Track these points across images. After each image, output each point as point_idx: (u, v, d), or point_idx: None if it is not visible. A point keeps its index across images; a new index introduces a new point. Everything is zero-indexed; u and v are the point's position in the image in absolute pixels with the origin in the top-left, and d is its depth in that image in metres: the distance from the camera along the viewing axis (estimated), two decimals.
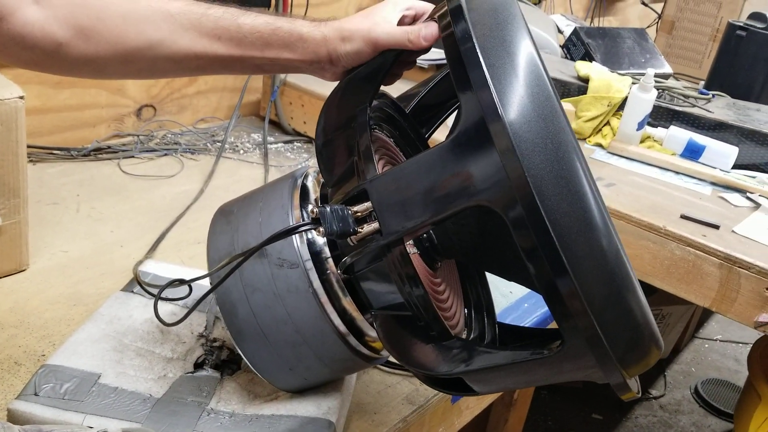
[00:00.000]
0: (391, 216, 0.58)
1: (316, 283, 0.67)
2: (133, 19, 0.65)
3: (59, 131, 1.37)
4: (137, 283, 0.88)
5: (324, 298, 0.67)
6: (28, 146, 1.22)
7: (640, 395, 0.61)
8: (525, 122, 0.52)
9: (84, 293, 0.95)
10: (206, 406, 0.71)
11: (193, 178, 1.36)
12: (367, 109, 0.68)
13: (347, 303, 0.67)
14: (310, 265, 0.67)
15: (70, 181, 1.26)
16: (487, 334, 0.79)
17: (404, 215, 0.57)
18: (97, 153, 1.37)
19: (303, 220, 0.68)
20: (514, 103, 0.52)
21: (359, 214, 0.60)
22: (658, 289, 1.27)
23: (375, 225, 0.59)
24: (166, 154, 1.44)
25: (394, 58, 0.70)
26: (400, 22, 0.71)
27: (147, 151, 1.42)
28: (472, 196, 0.54)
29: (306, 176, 0.75)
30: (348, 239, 0.61)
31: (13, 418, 0.68)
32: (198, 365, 0.78)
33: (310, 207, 0.70)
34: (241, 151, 1.53)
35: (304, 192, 0.72)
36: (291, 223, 0.68)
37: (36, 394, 0.69)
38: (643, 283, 1.23)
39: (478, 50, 0.54)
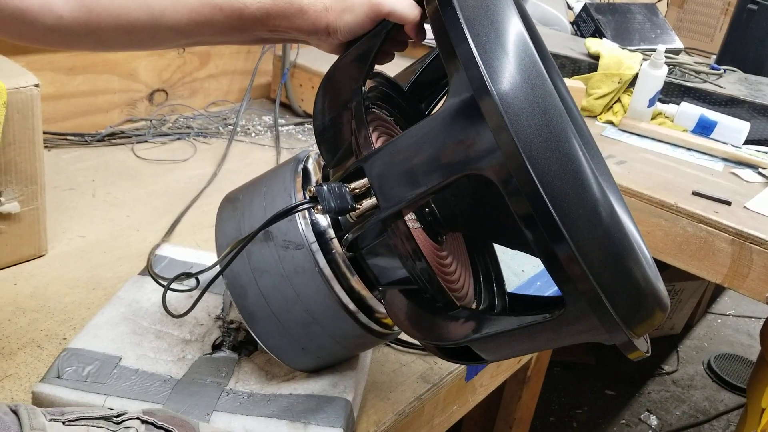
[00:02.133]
0: (387, 190, 0.59)
1: (323, 263, 0.68)
2: None
3: (73, 117, 1.38)
4: (149, 272, 0.89)
5: (331, 277, 0.68)
6: (43, 132, 1.23)
7: (649, 354, 0.62)
8: (512, 89, 0.52)
9: (102, 277, 0.97)
10: (225, 386, 0.73)
11: (206, 162, 1.38)
12: (361, 89, 0.68)
13: (355, 281, 0.68)
14: (315, 246, 0.68)
15: (86, 166, 1.28)
16: (498, 304, 0.80)
17: (400, 188, 0.59)
18: (110, 138, 1.38)
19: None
20: (500, 70, 0.53)
21: (357, 190, 0.61)
22: (671, 265, 1.28)
23: (373, 200, 0.61)
24: (178, 138, 1.45)
25: (385, 36, 0.70)
26: None
27: (160, 135, 1.44)
28: (465, 165, 0.55)
29: (307, 159, 0.76)
30: (348, 216, 0.62)
31: (38, 400, 0.70)
32: (216, 347, 0.79)
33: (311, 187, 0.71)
34: (253, 134, 1.54)
35: (306, 175, 0.73)
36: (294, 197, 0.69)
37: (59, 377, 0.71)
38: (655, 260, 1.23)
39: (462, 20, 0.54)
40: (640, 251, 0.68)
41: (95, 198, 1.18)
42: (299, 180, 0.72)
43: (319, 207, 0.61)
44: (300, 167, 0.74)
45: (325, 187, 0.61)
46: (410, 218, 0.74)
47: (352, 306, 0.69)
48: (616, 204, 0.82)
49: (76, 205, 1.15)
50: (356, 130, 0.64)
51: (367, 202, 0.61)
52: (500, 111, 0.51)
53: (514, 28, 0.55)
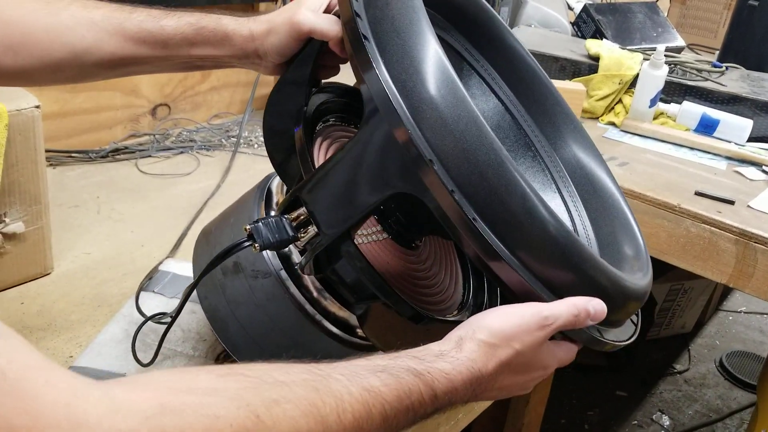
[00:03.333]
0: (323, 218, 0.60)
1: (293, 289, 0.68)
2: (56, 31, 0.68)
3: (77, 134, 1.39)
4: (136, 307, 0.90)
5: (303, 301, 0.68)
6: (48, 150, 1.24)
7: (630, 342, 0.63)
8: (420, 103, 0.51)
9: (108, 294, 0.98)
10: None
11: (210, 175, 1.38)
12: (302, 112, 0.68)
13: (328, 303, 0.69)
14: (283, 273, 0.68)
15: (90, 183, 1.29)
16: (486, 303, 0.79)
17: (334, 215, 0.59)
18: (114, 154, 1.40)
19: None
20: (408, 84, 0.51)
21: (302, 217, 0.61)
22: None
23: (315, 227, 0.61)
24: (182, 152, 1.46)
25: (318, 52, 0.69)
26: (327, 9, 0.70)
27: (163, 149, 1.45)
28: (386, 187, 0.55)
29: (271, 183, 0.76)
30: (294, 244, 0.63)
31: None
32: (219, 361, 0.80)
33: (272, 213, 0.71)
34: (255, 146, 1.55)
35: (269, 199, 0.74)
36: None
37: None
38: (659, 261, 1.23)
39: (367, 34, 0.53)
40: (630, 234, 0.68)
41: (100, 214, 1.19)
42: (263, 206, 0.72)
43: (256, 245, 0.61)
44: (264, 191, 0.74)
45: (260, 224, 0.61)
46: (376, 230, 0.74)
47: (329, 326, 0.69)
48: (605, 177, 0.81)
49: (80, 223, 1.16)
50: (300, 158, 0.64)
51: (311, 230, 0.61)
52: (408, 128, 0.50)
53: (425, 40, 0.54)
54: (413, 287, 0.73)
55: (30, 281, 0.99)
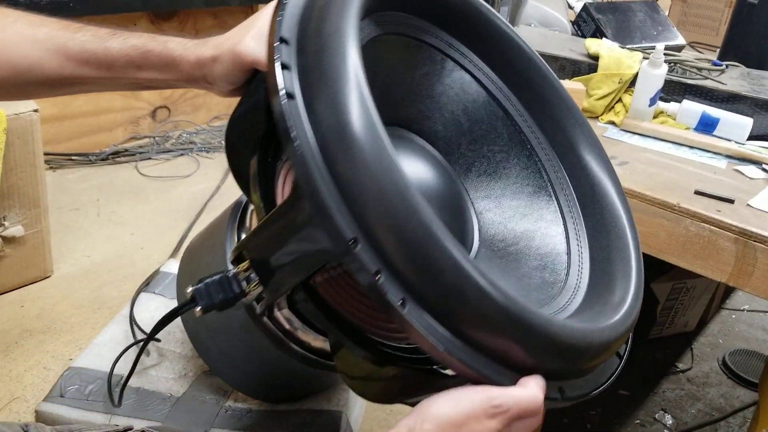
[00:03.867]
0: (265, 277, 0.57)
1: (265, 320, 0.67)
2: (0, 48, 0.67)
3: (77, 137, 1.40)
4: (130, 319, 0.90)
5: (275, 332, 0.67)
6: (47, 153, 1.25)
7: (607, 385, 0.60)
8: (347, 175, 0.47)
9: (108, 296, 0.99)
10: (224, 403, 0.74)
11: (210, 176, 1.39)
12: (256, 150, 0.64)
13: (300, 333, 0.67)
14: (255, 304, 0.65)
15: (90, 186, 1.30)
16: None
17: (275, 277, 0.56)
18: (114, 156, 1.40)
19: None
20: (333, 150, 0.47)
21: (251, 271, 0.59)
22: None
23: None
24: (182, 154, 1.47)
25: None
26: None
27: (163, 152, 1.45)
28: (319, 260, 0.51)
29: (247, 204, 0.75)
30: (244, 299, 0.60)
31: (41, 419, 0.71)
32: None
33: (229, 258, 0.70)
34: None
35: (243, 221, 0.73)
36: (229, 265, 0.67)
37: (62, 396, 0.72)
38: (659, 261, 1.23)
39: (295, 99, 0.49)
40: (624, 252, 0.65)
41: (100, 217, 1.20)
42: (235, 231, 0.72)
43: (197, 309, 0.58)
44: (238, 214, 0.73)
45: (203, 285, 0.58)
46: None
47: (306, 354, 0.68)
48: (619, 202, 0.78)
49: (80, 225, 1.16)
50: (252, 200, 0.62)
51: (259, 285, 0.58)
52: (330, 207, 0.46)
53: (354, 99, 0.48)
54: None
55: (30, 284, 0.99)
